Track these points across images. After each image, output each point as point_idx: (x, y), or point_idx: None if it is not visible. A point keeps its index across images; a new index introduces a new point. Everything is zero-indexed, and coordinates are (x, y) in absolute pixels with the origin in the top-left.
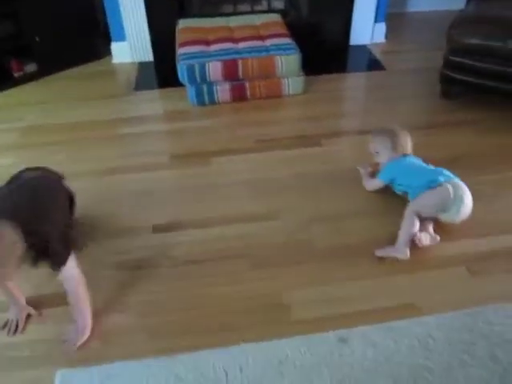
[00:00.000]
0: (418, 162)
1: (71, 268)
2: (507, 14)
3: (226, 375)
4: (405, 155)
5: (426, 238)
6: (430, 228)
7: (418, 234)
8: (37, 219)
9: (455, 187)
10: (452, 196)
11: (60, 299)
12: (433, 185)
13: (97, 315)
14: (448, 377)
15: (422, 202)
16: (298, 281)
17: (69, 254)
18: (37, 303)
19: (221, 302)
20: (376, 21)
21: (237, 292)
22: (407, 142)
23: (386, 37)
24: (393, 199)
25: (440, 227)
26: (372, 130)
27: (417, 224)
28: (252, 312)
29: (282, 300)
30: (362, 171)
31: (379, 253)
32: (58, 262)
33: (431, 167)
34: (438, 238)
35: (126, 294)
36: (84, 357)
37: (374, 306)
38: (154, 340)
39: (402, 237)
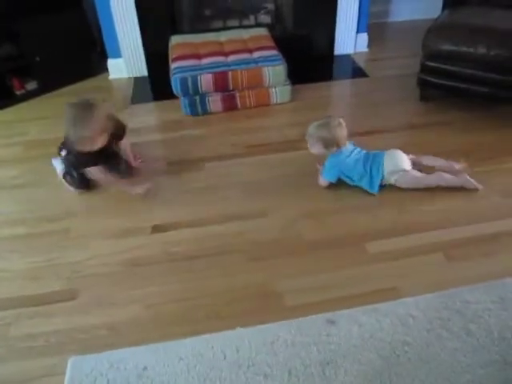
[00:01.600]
0: (350, 153)
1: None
2: (476, 21)
3: (224, 355)
4: (339, 149)
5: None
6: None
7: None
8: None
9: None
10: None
11: (68, 294)
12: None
13: (106, 307)
14: (426, 349)
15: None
16: (289, 271)
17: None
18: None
19: (218, 293)
20: (358, 31)
21: (232, 283)
22: (338, 136)
23: (369, 46)
24: (375, 195)
25: (419, 217)
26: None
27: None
28: (247, 300)
29: (274, 289)
30: (319, 168)
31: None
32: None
33: (360, 154)
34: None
35: (131, 288)
36: (94, 345)
37: (360, 291)
38: (158, 328)
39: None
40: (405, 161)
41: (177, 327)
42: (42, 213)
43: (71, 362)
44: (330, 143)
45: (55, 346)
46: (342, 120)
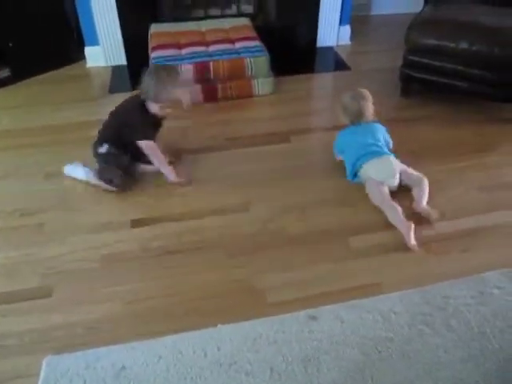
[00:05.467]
0: (359, 134)
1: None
2: (459, 16)
3: (205, 353)
4: (354, 124)
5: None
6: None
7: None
8: None
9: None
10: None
11: (43, 291)
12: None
13: (82, 304)
14: (408, 345)
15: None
16: (270, 267)
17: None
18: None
19: (198, 289)
20: (341, 23)
21: (213, 279)
22: (360, 110)
23: (351, 39)
24: (359, 189)
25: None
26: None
27: (390, 205)
28: (227, 297)
29: (256, 285)
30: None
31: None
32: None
33: (367, 141)
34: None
35: (108, 284)
36: (70, 344)
37: (342, 286)
38: (137, 326)
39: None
40: (395, 176)
41: (156, 325)
42: (13, 206)
43: (46, 361)
44: (349, 113)
45: (29, 346)
46: (368, 94)
